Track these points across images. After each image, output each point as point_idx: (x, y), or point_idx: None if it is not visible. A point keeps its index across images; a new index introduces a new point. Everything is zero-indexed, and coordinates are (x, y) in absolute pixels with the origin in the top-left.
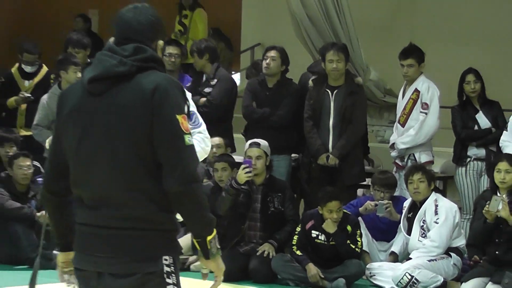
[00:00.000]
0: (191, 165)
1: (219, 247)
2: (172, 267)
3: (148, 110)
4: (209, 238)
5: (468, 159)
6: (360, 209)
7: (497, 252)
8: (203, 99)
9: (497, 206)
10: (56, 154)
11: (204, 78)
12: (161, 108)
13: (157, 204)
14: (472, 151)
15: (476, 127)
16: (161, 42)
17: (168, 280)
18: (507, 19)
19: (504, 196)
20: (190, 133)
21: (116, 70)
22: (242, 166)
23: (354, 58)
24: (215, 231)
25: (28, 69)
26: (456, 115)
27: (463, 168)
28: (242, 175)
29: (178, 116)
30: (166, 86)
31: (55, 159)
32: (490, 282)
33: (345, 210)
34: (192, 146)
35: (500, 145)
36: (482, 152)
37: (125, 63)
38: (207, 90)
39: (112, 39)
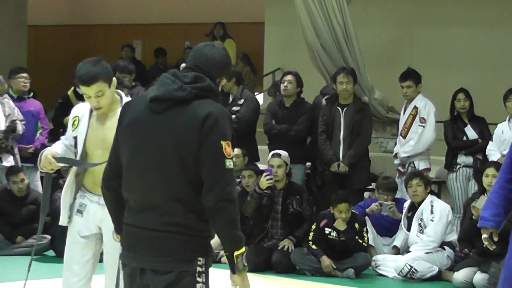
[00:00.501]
0: (228, 187)
1: (246, 264)
2: (203, 267)
3: (198, 134)
4: (236, 253)
5: (458, 166)
6: (367, 210)
7: (484, 245)
8: (233, 116)
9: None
10: (115, 156)
11: (231, 99)
12: (209, 134)
13: (197, 213)
14: (461, 159)
15: (464, 138)
16: (224, 80)
17: (198, 279)
18: (491, 48)
19: None
20: (232, 158)
21: (176, 94)
22: (264, 174)
23: (361, 80)
24: (243, 249)
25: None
26: (448, 128)
27: (454, 174)
28: (264, 182)
29: (222, 142)
30: (217, 115)
31: (113, 160)
32: (478, 271)
33: (353, 210)
34: (231, 170)
35: (487, 153)
36: (469, 160)
37: (185, 89)
38: (235, 108)
39: (183, 65)
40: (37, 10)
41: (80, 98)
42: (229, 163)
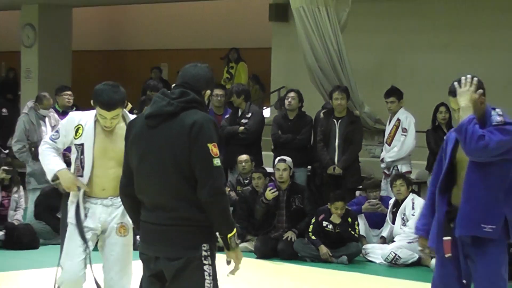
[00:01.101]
0: (218, 181)
1: (237, 242)
2: (208, 252)
3: (187, 140)
4: (229, 235)
5: None
6: (363, 207)
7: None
8: (242, 127)
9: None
10: (127, 167)
11: (240, 112)
12: (196, 139)
13: (197, 207)
14: None
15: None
16: (208, 92)
17: (205, 262)
18: (463, 70)
19: None
20: (218, 157)
21: (165, 109)
22: (268, 188)
23: (353, 96)
24: (235, 231)
25: None
26: (430, 136)
27: None
28: (268, 194)
29: (209, 145)
30: (202, 122)
31: (126, 170)
32: None
33: (347, 207)
34: (219, 167)
35: None
36: None
37: (172, 104)
38: (243, 121)
39: (173, 85)
40: (80, 38)
41: None
42: (216, 162)
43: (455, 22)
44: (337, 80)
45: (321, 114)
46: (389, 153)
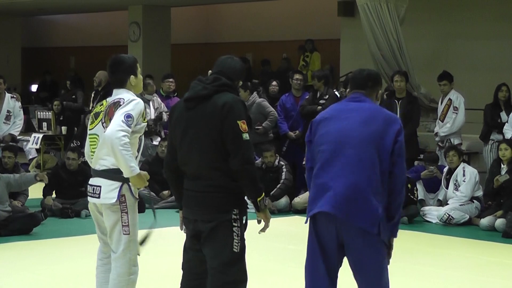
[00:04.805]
0: (247, 153)
1: (266, 204)
2: (238, 216)
3: (219, 118)
4: (258, 199)
5: (491, 142)
6: (422, 174)
7: (501, 200)
8: (319, 107)
9: (504, 179)
10: (171, 145)
11: (318, 94)
12: (227, 117)
13: (229, 177)
14: (494, 136)
15: (499, 121)
16: (240, 82)
17: (234, 224)
18: (508, 56)
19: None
20: (247, 132)
21: (200, 93)
22: None
23: (410, 80)
24: (263, 195)
25: None
26: (488, 110)
27: (488, 147)
28: None
29: (238, 121)
30: (231, 102)
31: (170, 148)
32: (498, 218)
33: (407, 175)
34: (248, 140)
35: (503, 132)
36: (500, 137)
37: (206, 88)
38: (321, 101)
39: (210, 71)
40: (178, 33)
41: None
42: (245, 136)
43: (501, 13)
44: (397, 66)
45: (384, 95)
46: (442, 129)
